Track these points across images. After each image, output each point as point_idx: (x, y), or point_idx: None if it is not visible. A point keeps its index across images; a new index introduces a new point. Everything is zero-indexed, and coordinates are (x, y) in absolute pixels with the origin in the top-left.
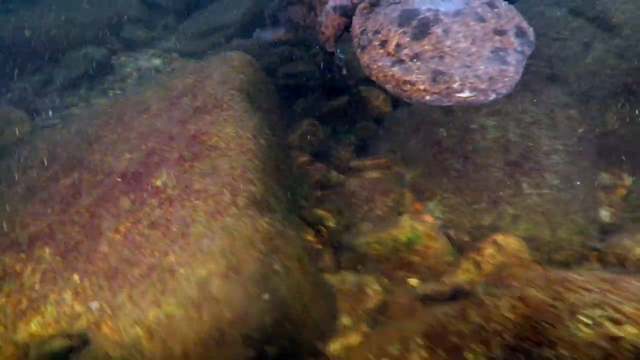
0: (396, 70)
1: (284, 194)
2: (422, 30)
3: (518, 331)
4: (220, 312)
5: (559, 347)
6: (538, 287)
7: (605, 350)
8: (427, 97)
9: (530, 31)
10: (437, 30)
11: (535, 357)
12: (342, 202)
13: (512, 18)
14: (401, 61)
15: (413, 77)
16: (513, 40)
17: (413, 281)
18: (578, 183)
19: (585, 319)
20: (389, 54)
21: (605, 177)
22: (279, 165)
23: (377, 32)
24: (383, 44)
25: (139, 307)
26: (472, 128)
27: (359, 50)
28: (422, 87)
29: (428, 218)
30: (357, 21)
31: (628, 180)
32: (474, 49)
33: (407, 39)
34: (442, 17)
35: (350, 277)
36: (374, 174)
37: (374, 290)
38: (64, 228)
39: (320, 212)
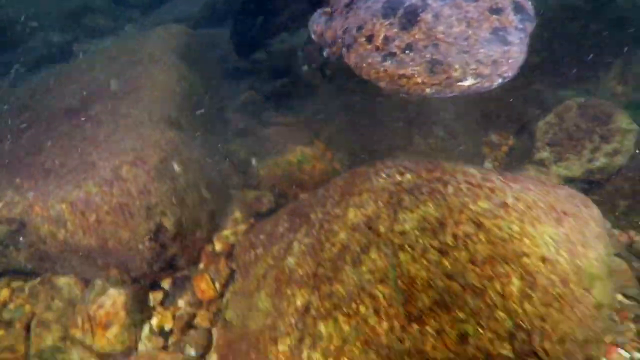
0: (388, 64)
1: (203, 127)
2: (410, 18)
3: (343, 191)
4: (127, 188)
5: (363, 194)
6: (363, 165)
7: (391, 190)
8: (427, 90)
9: (529, 5)
10: (427, 16)
11: (350, 203)
12: (258, 144)
13: None
14: (392, 54)
15: (408, 70)
16: (512, 17)
17: (303, 196)
18: (461, 136)
19: (383, 174)
20: (377, 48)
21: (493, 137)
22: (201, 103)
23: (360, 27)
24: (369, 39)
25: (65, 190)
26: (381, 93)
27: (344, 50)
28: (419, 79)
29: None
30: (337, 23)
31: (512, 140)
32: (470, 32)
33: (395, 29)
34: (430, 1)
35: (251, 193)
36: (292, 127)
37: (268, 200)
38: (12, 152)
39: (234, 146)
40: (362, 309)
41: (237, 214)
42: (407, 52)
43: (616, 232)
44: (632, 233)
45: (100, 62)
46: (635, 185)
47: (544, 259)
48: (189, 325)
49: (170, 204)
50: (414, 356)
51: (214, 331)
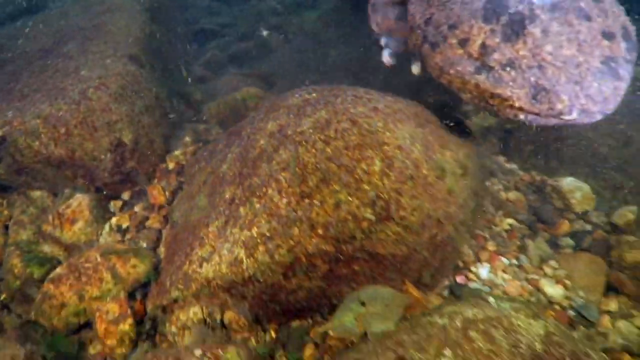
0: (482, 79)
1: (164, 71)
2: (516, 29)
3: (268, 110)
4: (92, 106)
5: (280, 109)
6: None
7: (300, 105)
8: (521, 116)
9: (633, 31)
10: (535, 30)
11: (270, 117)
12: (212, 88)
13: (619, 16)
14: (489, 68)
15: (507, 92)
16: (622, 45)
17: None
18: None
19: (297, 95)
20: (471, 56)
21: (429, 99)
22: (163, 51)
23: (453, 26)
24: (463, 42)
25: (39, 109)
26: (331, 54)
27: (426, 46)
28: (517, 104)
29: None
30: (415, 8)
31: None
32: (581, 59)
33: (497, 39)
34: (538, 12)
35: (201, 125)
36: (247, 78)
37: (216, 132)
38: None
39: (191, 89)
40: (269, 191)
41: (188, 139)
42: (507, 69)
43: (521, 173)
44: (533, 173)
45: (73, 11)
46: (538, 132)
47: (400, 148)
48: (142, 225)
49: (129, 123)
50: (304, 222)
51: (164, 232)
